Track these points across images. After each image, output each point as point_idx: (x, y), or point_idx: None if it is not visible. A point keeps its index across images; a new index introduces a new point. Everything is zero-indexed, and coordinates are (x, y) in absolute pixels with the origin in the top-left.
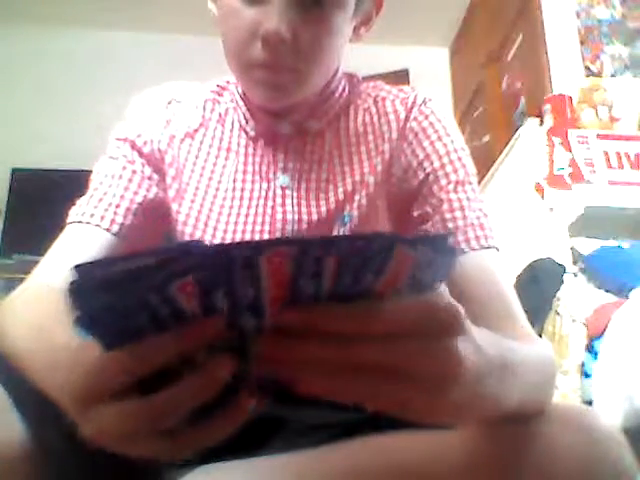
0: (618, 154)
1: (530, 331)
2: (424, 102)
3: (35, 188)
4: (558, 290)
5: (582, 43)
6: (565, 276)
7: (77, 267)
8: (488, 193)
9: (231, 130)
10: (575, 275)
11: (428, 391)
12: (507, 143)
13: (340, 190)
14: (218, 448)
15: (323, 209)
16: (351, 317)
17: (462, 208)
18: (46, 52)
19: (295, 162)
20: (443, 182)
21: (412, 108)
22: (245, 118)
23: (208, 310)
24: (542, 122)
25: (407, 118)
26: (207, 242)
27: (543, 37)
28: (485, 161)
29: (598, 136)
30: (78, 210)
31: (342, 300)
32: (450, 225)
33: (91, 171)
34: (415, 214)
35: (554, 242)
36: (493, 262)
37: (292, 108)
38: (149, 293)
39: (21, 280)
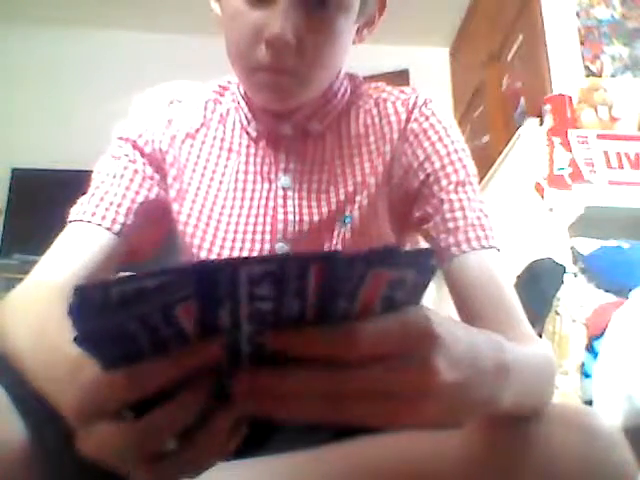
0: (618, 154)
1: (530, 331)
2: (425, 103)
3: (35, 188)
4: (558, 290)
5: (582, 43)
6: (565, 276)
7: (77, 288)
8: (488, 193)
9: (232, 130)
10: (575, 275)
11: (408, 405)
12: (507, 143)
13: (341, 191)
14: None
15: (324, 210)
16: (331, 342)
17: (463, 208)
18: (46, 52)
19: (296, 163)
20: (444, 183)
21: (413, 109)
22: (247, 119)
23: (208, 331)
24: (542, 122)
25: (408, 119)
26: (209, 252)
27: (543, 37)
28: (485, 161)
29: (598, 136)
30: (79, 209)
31: (319, 322)
32: (450, 225)
33: (91, 171)
34: (416, 215)
35: (554, 242)
36: (493, 262)
37: (294, 109)
38: (149, 316)
39: (21, 280)
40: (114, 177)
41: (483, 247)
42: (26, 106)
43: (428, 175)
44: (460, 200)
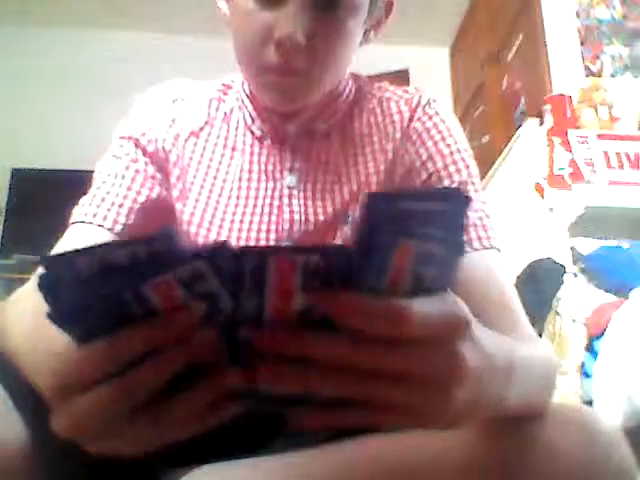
0: (618, 154)
1: (531, 331)
2: (428, 103)
3: (35, 188)
4: (558, 290)
5: (582, 43)
6: (565, 276)
7: (44, 260)
8: (488, 193)
9: (236, 129)
10: (575, 275)
11: (434, 395)
12: (507, 143)
13: (345, 190)
14: (217, 449)
15: (329, 209)
16: (381, 314)
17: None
18: (46, 52)
19: (302, 162)
20: (446, 182)
21: (416, 108)
22: (251, 117)
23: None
24: (542, 122)
25: (411, 118)
26: (204, 240)
27: (543, 37)
28: (485, 161)
29: (598, 136)
30: (81, 210)
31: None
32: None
33: (92, 171)
34: None
35: (554, 242)
36: (495, 262)
37: (300, 109)
38: (121, 291)
39: (21, 280)
40: (115, 177)
41: (485, 247)
42: (26, 106)
43: (430, 175)
44: (476, 199)
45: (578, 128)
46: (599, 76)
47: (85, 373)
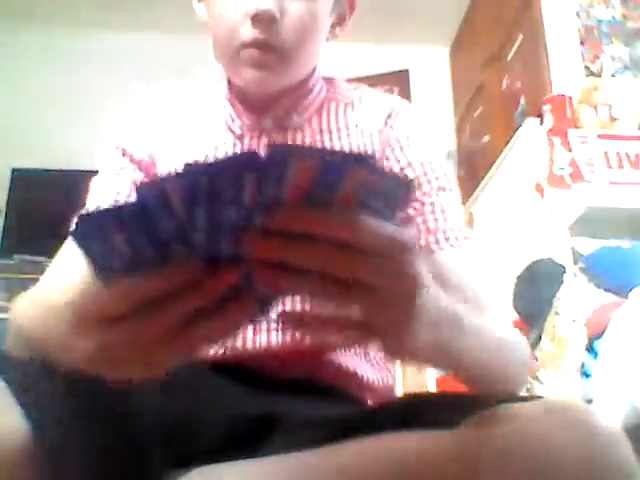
0: (618, 154)
1: (504, 320)
2: (405, 110)
3: (35, 188)
4: (558, 290)
5: (582, 43)
6: (565, 276)
7: (80, 216)
8: (488, 193)
9: (218, 130)
10: (575, 275)
11: (391, 306)
12: (507, 143)
13: None
14: (216, 449)
15: None
16: (337, 224)
17: (443, 211)
18: (46, 52)
19: None
20: (426, 188)
21: (393, 115)
22: (231, 118)
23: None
24: (542, 122)
25: (388, 125)
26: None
27: (543, 37)
28: (485, 161)
29: (598, 136)
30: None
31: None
32: (432, 226)
33: (91, 171)
34: None
35: (554, 242)
36: (469, 258)
37: (274, 103)
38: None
39: (21, 280)
40: (105, 187)
41: (460, 246)
42: (26, 106)
43: (413, 176)
44: (441, 204)
45: (578, 128)
46: (599, 76)
47: (116, 307)
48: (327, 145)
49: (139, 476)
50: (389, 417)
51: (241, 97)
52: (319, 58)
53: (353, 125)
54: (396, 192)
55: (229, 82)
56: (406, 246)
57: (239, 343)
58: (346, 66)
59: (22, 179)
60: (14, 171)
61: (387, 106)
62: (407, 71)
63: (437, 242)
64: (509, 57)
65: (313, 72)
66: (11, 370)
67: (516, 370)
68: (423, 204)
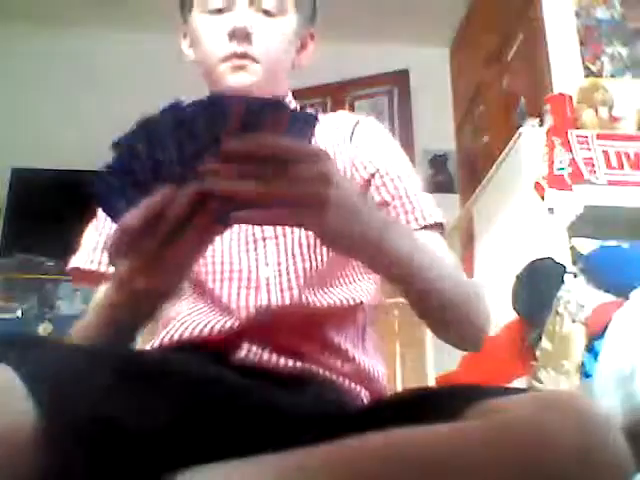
0: (618, 154)
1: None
2: (366, 120)
3: (35, 188)
4: (558, 290)
5: (582, 43)
6: (565, 276)
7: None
8: (488, 193)
9: None
10: (575, 275)
11: (308, 195)
12: (507, 143)
13: None
14: (214, 449)
15: None
16: (262, 144)
17: (415, 194)
18: (46, 52)
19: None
20: (393, 175)
21: (357, 124)
22: None
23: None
24: (542, 122)
25: (353, 131)
26: None
27: (543, 37)
28: (485, 161)
29: (598, 136)
30: (72, 261)
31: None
32: (408, 207)
33: (91, 171)
34: (376, 200)
35: (554, 242)
36: (435, 239)
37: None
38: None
39: (21, 280)
40: (97, 226)
41: (434, 224)
42: (26, 106)
43: (379, 170)
44: (412, 186)
45: (578, 128)
46: (599, 76)
47: (128, 237)
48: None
49: (140, 476)
50: (391, 412)
51: None
52: (287, 77)
53: (325, 138)
54: (303, 122)
55: None
56: (313, 151)
57: (229, 322)
58: (346, 66)
59: (22, 179)
60: (14, 171)
61: (352, 120)
62: (407, 71)
63: (416, 220)
64: (509, 57)
65: (285, 92)
66: (27, 363)
67: (476, 312)
68: (397, 188)
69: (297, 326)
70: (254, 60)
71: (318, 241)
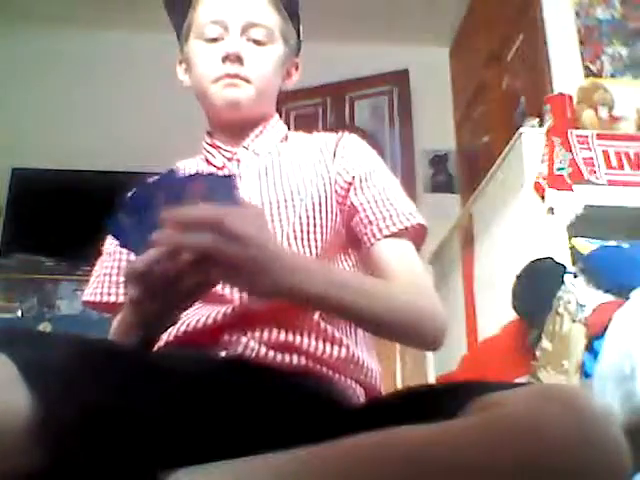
0: (618, 154)
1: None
2: (347, 135)
3: (35, 188)
4: (558, 290)
5: (582, 43)
6: (565, 276)
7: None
8: (488, 193)
9: (202, 166)
10: (575, 275)
11: (227, 259)
12: (507, 143)
13: (294, 185)
14: (209, 447)
15: (280, 196)
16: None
17: (382, 200)
18: (46, 52)
19: (249, 177)
20: (369, 183)
21: (340, 139)
22: (212, 155)
23: None
24: (542, 122)
25: (336, 144)
26: None
27: (543, 37)
28: (485, 161)
29: (598, 136)
30: (86, 292)
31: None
32: (372, 217)
33: (91, 171)
34: (347, 204)
35: (554, 242)
36: (406, 248)
37: (243, 134)
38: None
39: (21, 280)
40: (105, 260)
41: (399, 231)
42: (26, 106)
43: (353, 178)
44: (388, 193)
45: (578, 128)
46: (599, 76)
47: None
48: (295, 166)
49: (138, 475)
50: (391, 410)
51: (219, 131)
52: (274, 99)
53: (312, 155)
54: (222, 186)
55: (209, 120)
56: (218, 218)
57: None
58: (346, 66)
59: (22, 179)
60: (14, 171)
61: (335, 137)
62: (407, 71)
63: (393, 224)
64: (509, 57)
65: (273, 113)
66: (23, 350)
67: (420, 323)
68: (373, 195)
69: (289, 313)
70: (246, 80)
71: (310, 233)
